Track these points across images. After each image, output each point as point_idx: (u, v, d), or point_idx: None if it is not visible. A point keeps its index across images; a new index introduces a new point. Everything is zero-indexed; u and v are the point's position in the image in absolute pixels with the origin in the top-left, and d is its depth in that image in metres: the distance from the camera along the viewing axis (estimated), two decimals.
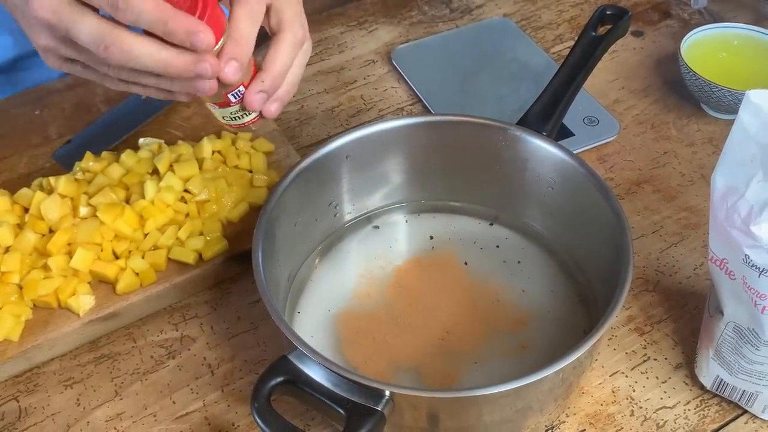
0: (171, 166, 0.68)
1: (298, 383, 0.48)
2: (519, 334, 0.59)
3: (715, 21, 0.89)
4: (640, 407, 0.58)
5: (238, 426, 0.57)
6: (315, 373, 0.48)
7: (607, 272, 0.55)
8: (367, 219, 0.67)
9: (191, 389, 0.59)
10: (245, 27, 0.51)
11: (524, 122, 0.63)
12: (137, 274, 0.62)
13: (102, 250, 0.63)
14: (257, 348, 0.62)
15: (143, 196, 0.65)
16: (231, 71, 0.50)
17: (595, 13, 0.68)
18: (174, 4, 0.47)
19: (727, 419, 0.57)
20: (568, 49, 0.68)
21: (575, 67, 0.66)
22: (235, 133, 0.72)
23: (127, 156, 0.68)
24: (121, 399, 0.59)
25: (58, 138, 0.76)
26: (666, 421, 0.57)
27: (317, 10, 0.96)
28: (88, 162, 0.68)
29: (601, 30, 0.68)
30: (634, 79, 0.85)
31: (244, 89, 0.54)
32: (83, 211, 0.64)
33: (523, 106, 0.65)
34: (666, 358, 0.61)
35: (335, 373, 0.47)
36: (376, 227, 0.67)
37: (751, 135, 0.47)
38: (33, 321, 0.60)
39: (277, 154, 0.73)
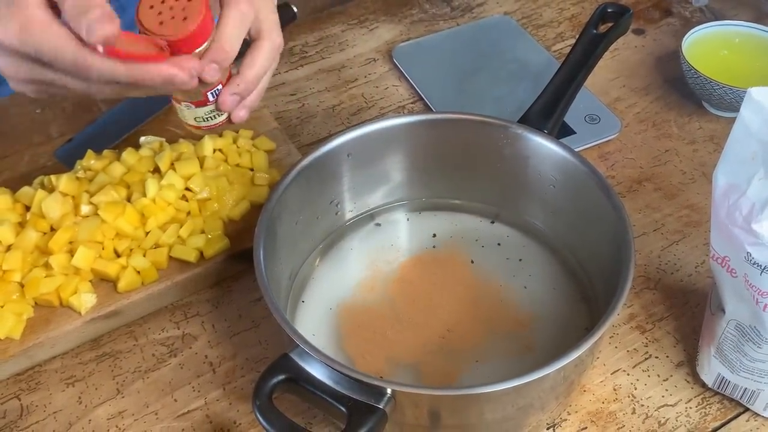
0: (172, 164, 0.68)
1: (300, 381, 0.48)
2: (520, 334, 0.59)
3: (717, 19, 0.89)
4: (642, 405, 0.58)
5: (240, 424, 0.57)
6: (316, 370, 0.48)
7: (609, 270, 0.55)
8: (368, 217, 0.67)
9: (193, 387, 0.59)
10: (232, 31, 0.51)
11: (525, 120, 0.63)
12: (138, 272, 0.62)
13: (103, 249, 0.63)
14: (259, 346, 0.62)
15: (144, 195, 0.65)
16: (211, 73, 0.50)
17: (596, 11, 0.68)
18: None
19: (729, 417, 0.57)
20: (569, 47, 0.68)
21: (576, 65, 0.66)
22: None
23: (128, 154, 0.68)
24: (123, 397, 0.59)
25: (59, 136, 0.76)
26: (667, 419, 0.57)
27: (318, 8, 0.96)
28: (90, 160, 0.68)
29: (603, 28, 0.68)
30: (636, 77, 0.85)
31: (221, 87, 0.54)
32: (84, 209, 0.64)
33: (524, 104, 0.65)
34: (667, 356, 0.61)
35: (337, 370, 0.47)
36: (378, 225, 0.67)
37: (753, 132, 0.47)
38: (34, 319, 0.60)
39: (278, 153, 0.73)
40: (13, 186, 0.67)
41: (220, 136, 0.72)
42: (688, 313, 0.63)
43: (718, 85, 0.75)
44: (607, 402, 0.58)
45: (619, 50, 0.88)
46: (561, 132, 0.71)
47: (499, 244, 0.65)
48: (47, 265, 0.61)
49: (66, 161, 0.72)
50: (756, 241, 0.47)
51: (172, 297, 0.64)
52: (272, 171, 0.70)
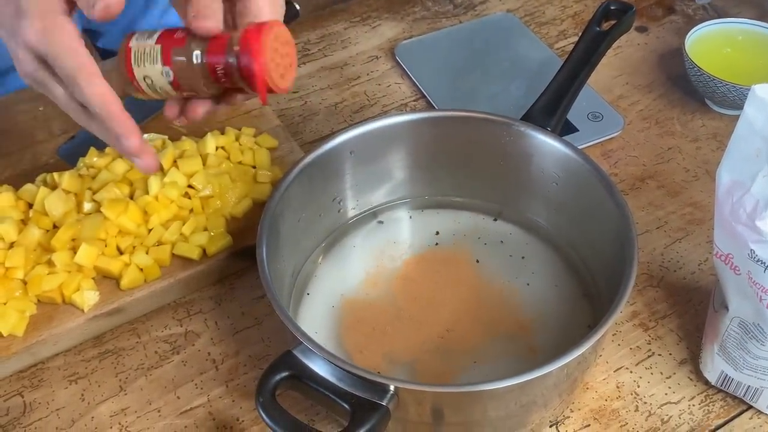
0: (175, 161, 0.68)
1: (303, 378, 0.48)
2: (521, 337, 0.59)
3: (720, 16, 0.89)
4: (645, 402, 0.58)
5: (243, 421, 0.57)
6: (319, 368, 0.48)
7: (612, 268, 0.55)
8: (371, 215, 0.67)
9: (196, 384, 0.59)
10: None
11: (528, 117, 0.63)
12: (141, 269, 0.62)
13: (106, 246, 0.63)
14: (261, 343, 0.62)
15: (147, 192, 0.65)
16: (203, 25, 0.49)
17: (599, 9, 0.68)
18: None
19: (732, 414, 0.57)
20: (572, 45, 0.68)
21: (579, 62, 0.66)
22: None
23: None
24: (126, 394, 0.59)
25: (61, 134, 0.76)
26: (671, 417, 0.57)
27: (320, 6, 0.96)
28: (92, 158, 0.68)
29: (605, 25, 0.68)
30: (639, 75, 0.85)
31: (192, 92, 0.51)
32: (87, 206, 0.64)
33: (527, 101, 0.64)
34: (670, 354, 0.61)
35: (340, 368, 0.47)
36: (381, 222, 0.67)
37: (757, 129, 0.47)
38: (37, 316, 0.60)
39: (280, 150, 0.73)
40: (16, 183, 0.67)
41: (223, 133, 0.72)
42: (691, 311, 0.63)
43: (721, 82, 0.75)
44: (610, 399, 0.58)
45: (621, 48, 0.88)
46: (564, 129, 0.71)
47: (501, 242, 0.65)
48: (50, 263, 0.62)
49: (69, 159, 0.72)
50: (760, 239, 0.47)
51: (174, 294, 0.64)
52: (275, 168, 0.70)
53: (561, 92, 0.64)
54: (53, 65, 0.48)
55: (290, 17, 0.90)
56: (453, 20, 0.93)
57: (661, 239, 0.69)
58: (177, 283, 0.63)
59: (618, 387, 0.59)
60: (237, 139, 0.72)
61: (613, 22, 0.68)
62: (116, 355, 0.61)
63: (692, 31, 0.81)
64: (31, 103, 0.79)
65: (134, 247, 0.63)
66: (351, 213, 0.67)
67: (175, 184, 0.66)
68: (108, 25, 0.94)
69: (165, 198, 0.65)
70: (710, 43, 0.81)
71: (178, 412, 0.58)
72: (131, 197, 0.66)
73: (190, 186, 0.67)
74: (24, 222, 0.64)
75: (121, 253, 0.63)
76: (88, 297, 0.61)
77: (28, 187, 0.66)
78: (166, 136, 0.72)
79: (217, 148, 0.70)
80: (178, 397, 0.59)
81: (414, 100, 0.83)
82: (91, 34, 0.96)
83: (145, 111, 0.77)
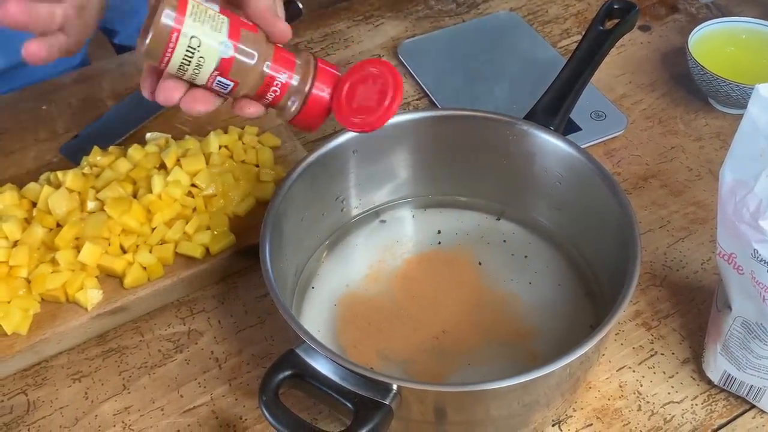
0: (178, 160, 0.68)
1: (306, 377, 0.48)
2: (519, 344, 0.59)
3: (723, 15, 0.89)
4: (648, 402, 0.58)
5: (246, 420, 0.57)
6: (322, 366, 0.48)
7: (614, 267, 0.55)
8: (373, 214, 0.67)
9: (199, 383, 0.59)
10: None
11: (531, 117, 0.63)
12: (145, 268, 0.62)
13: (109, 245, 0.63)
14: (264, 342, 0.62)
15: (150, 191, 0.65)
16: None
17: (602, 8, 0.68)
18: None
19: (735, 414, 0.57)
20: (575, 44, 0.68)
21: (582, 61, 0.65)
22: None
23: (134, 150, 0.69)
24: (129, 393, 0.59)
25: (65, 133, 0.76)
26: (673, 416, 0.57)
27: (323, 4, 0.96)
28: (96, 156, 0.68)
29: (609, 24, 0.67)
30: (642, 74, 0.85)
31: (232, 84, 0.47)
32: (91, 205, 0.64)
33: (530, 100, 0.64)
34: (673, 353, 0.61)
35: (343, 366, 0.47)
36: (383, 221, 0.67)
37: (761, 129, 0.47)
38: (41, 315, 0.61)
39: (283, 149, 0.73)
40: (20, 182, 0.67)
41: (226, 132, 0.72)
42: (694, 310, 0.63)
43: (725, 81, 0.75)
44: (613, 399, 0.58)
45: (625, 47, 0.88)
46: (567, 128, 0.71)
47: (504, 241, 0.65)
48: (54, 261, 0.62)
49: (72, 157, 0.73)
50: (763, 238, 0.47)
51: (178, 293, 0.64)
52: (278, 167, 0.70)
53: (564, 91, 0.64)
54: None
55: (293, 16, 0.90)
56: (456, 19, 0.93)
57: (664, 238, 0.69)
58: (180, 282, 0.64)
59: (621, 386, 0.59)
60: (240, 137, 0.72)
61: (616, 21, 0.67)
62: (119, 353, 0.62)
63: (695, 29, 0.80)
64: (35, 101, 0.80)
65: (137, 246, 0.64)
66: (354, 212, 0.67)
67: (178, 183, 0.66)
68: (123, 23, 0.94)
69: (168, 197, 0.65)
70: (713, 42, 0.81)
71: (181, 410, 0.58)
72: (134, 196, 0.66)
73: (193, 185, 0.67)
74: (27, 221, 0.64)
75: (124, 251, 0.63)
76: (92, 295, 0.61)
77: (32, 185, 0.66)
78: (170, 135, 0.72)
79: (220, 147, 0.70)
80: (182, 396, 0.59)
81: (417, 99, 0.83)
82: (107, 32, 0.96)
83: (147, 110, 0.77)
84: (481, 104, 0.79)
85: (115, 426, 0.57)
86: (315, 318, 0.61)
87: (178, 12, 0.42)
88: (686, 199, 0.72)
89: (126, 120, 0.76)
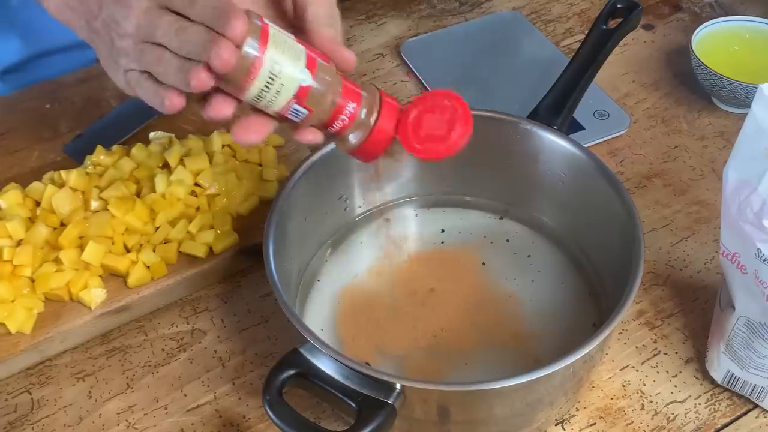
0: (181, 159, 0.68)
1: (309, 376, 0.48)
2: (518, 347, 0.58)
3: (727, 14, 0.88)
4: (651, 401, 0.58)
5: (249, 419, 0.57)
6: (326, 366, 0.48)
7: (618, 266, 0.55)
8: (377, 213, 0.67)
9: (202, 382, 0.60)
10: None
11: (535, 116, 0.63)
12: (148, 267, 0.63)
13: (113, 244, 0.63)
14: (268, 341, 0.62)
15: (154, 190, 0.65)
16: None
17: (605, 6, 0.68)
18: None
19: (738, 414, 0.57)
20: (579, 43, 0.68)
21: (586, 60, 0.65)
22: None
23: (137, 150, 0.69)
24: (133, 391, 0.59)
25: (68, 132, 0.76)
26: (676, 415, 0.57)
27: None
28: (99, 156, 0.68)
29: (612, 23, 0.67)
30: (645, 73, 0.85)
31: (306, 112, 0.46)
32: (94, 204, 0.65)
33: (533, 99, 0.64)
34: (676, 353, 0.61)
35: (346, 366, 0.47)
36: (387, 220, 0.67)
37: (764, 128, 0.47)
38: (45, 314, 0.61)
39: (286, 148, 0.73)
40: (23, 181, 0.67)
41: (229, 131, 0.72)
42: (697, 310, 0.63)
43: (728, 81, 0.75)
44: (616, 398, 0.58)
45: (628, 46, 0.88)
46: (570, 128, 0.71)
47: (507, 241, 0.65)
48: (57, 260, 0.62)
49: (75, 157, 0.73)
50: (767, 238, 0.47)
51: (181, 292, 0.65)
52: (281, 167, 0.70)
53: (567, 90, 0.64)
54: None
55: None
56: (459, 18, 0.93)
57: (667, 238, 0.69)
58: (183, 281, 0.64)
59: (624, 386, 0.59)
60: None
61: (619, 19, 0.67)
62: (123, 352, 0.62)
63: (699, 28, 0.80)
64: (38, 100, 0.80)
65: (141, 245, 0.64)
66: (357, 211, 0.67)
67: (181, 182, 0.66)
68: None
69: (172, 196, 0.65)
70: (717, 41, 0.81)
71: (184, 409, 0.58)
72: (138, 195, 0.66)
73: (196, 184, 0.67)
74: (31, 220, 0.64)
75: (128, 251, 0.64)
76: (96, 295, 0.61)
77: (36, 185, 0.67)
78: (173, 134, 0.72)
79: (223, 146, 0.70)
80: (185, 395, 0.59)
81: None
82: None
83: (150, 109, 0.76)
84: (483, 103, 0.78)
85: (119, 425, 0.57)
86: (318, 316, 0.61)
87: (261, 42, 0.43)
88: (689, 198, 0.72)
89: (129, 119, 0.76)
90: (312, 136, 0.48)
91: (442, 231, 0.66)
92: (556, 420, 0.56)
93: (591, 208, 0.60)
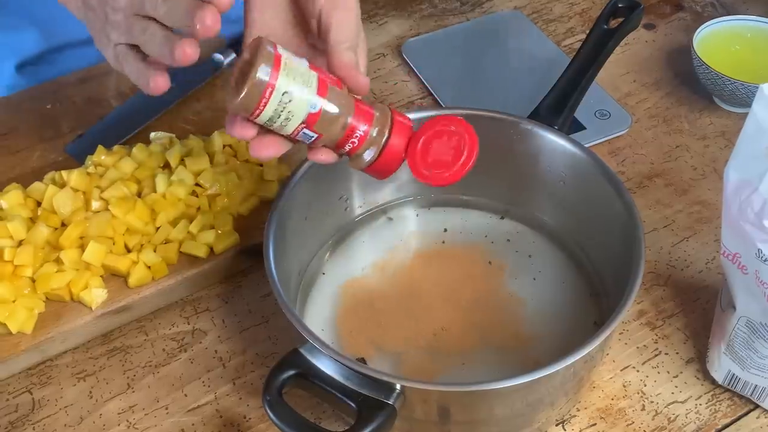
0: (182, 159, 0.68)
1: (310, 376, 0.48)
2: (517, 349, 0.58)
3: (728, 13, 0.88)
4: (652, 402, 0.58)
5: (250, 419, 0.57)
6: (326, 366, 0.48)
7: (619, 266, 0.55)
8: (377, 213, 0.67)
9: (203, 382, 0.60)
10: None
11: (535, 116, 0.63)
12: (149, 267, 0.63)
13: (114, 244, 0.63)
14: (268, 341, 0.62)
15: (155, 190, 0.65)
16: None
17: (607, 6, 0.67)
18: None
19: (739, 414, 0.57)
20: (580, 42, 0.68)
21: (587, 60, 0.65)
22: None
23: (138, 150, 0.69)
24: (134, 392, 0.59)
25: (69, 132, 0.76)
26: (677, 416, 0.57)
27: None
28: (100, 156, 0.68)
29: (613, 23, 0.67)
30: (646, 73, 0.85)
31: (315, 136, 0.48)
32: (95, 204, 0.65)
33: (534, 99, 0.64)
34: (677, 353, 0.60)
35: (347, 366, 0.47)
36: (390, 219, 0.67)
37: (765, 128, 0.47)
38: (46, 314, 0.61)
39: None
40: (25, 181, 0.67)
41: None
42: (698, 310, 0.63)
43: (730, 80, 0.75)
44: (617, 398, 0.58)
45: (629, 45, 0.87)
46: (571, 127, 0.71)
47: (508, 240, 0.65)
48: (58, 260, 0.62)
49: (76, 157, 0.73)
50: (767, 238, 0.47)
51: (182, 292, 0.65)
52: (281, 166, 0.70)
53: (568, 90, 0.64)
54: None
55: None
56: (460, 17, 0.93)
57: (668, 238, 0.68)
58: (184, 281, 0.64)
59: (624, 386, 0.59)
60: None
61: (620, 19, 0.67)
62: (124, 352, 0.62)
63: (700, 28, 0.80)
64: (39, 100, 0.80)
65: (142, 245, 0.64)
66: (357, 211, 0.67)
67: (182, 183, 0.66)
68: None
69: (172, 196, 0.65)
70: (718, 41, 0.81)
71: (185, 409, 0.58)
72: (139, 195, 0.66)
73: (197, 184, 0.67)
74: (32, 220, 0.64)
75: (128, 251, 0.64)
76: (96, 295, 0.61)
77: (37, 185, 0.67)
78: (174, 134, 0.72)
79: (224, 146, 0.71)
80: (186, 395, 0.59)
81: (421, 98, 0.83)
82: None
83: (151, 110, 0.77)
84: (484, 103, 0.79)
85: (119, 425, 0.57)
86: (318, 316, 0.61)
87: (273, 68, 0.45)
88: (691, 198, 0.72)
89: (130, 119, 0.76)
90: (324, 156, 0.50)
91: (445, 230, 0.66)
92: (556, 420, 0.56)
93: (592, 208, 0.60)
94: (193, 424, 0.57)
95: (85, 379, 0.60)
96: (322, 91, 0.47)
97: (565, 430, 0.56)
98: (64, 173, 0.66)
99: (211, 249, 0.64)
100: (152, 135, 0.72)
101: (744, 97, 0.76)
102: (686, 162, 0.75)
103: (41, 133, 0.76)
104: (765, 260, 0.48)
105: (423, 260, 0.64)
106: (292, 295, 0.59)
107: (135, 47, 0.49)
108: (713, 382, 0.58)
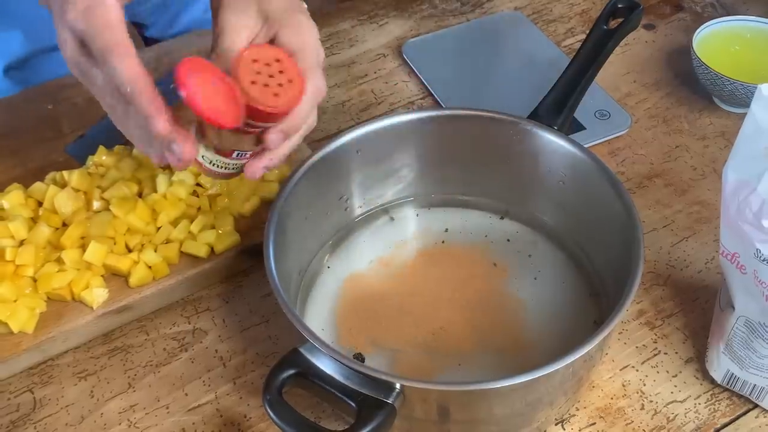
0: None
1: (310, 376, 0.48)
2: (517, 354, 0.58)
3: (728, 14, 0.88)
4: (651, 401, 0.58)
5: (250, 418, 0.58)
6: (326, 366, 0.48)
7: (618, 266, 0.55)
8: (378, 213, 0.67)
9: (203, 381, 0.60)
10: (306, 108, 0.51)
11: (535, 116, 0.63)
12: (150, 267, 0.63)
13: (115, 244, 0.63)
14: (269, 341, 0.62)
15: (156, 190, 0.66)
16: (276, 141, 0.50)
17: (606, 6, 0.67)
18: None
19: (738, 413, 0.57)
20: (580, 43, 0.68)
21: (586, 60, 0.65)
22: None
23: (139, 150, 0.69)
24: (134, 391, 0.59)
25: (71, 132, 0.76)
26: (676, 415, 0.57)
27: (328, 3, 0.96)
28: (101, 156, 0.69)
29: (613, 23, 0.67)
30: (646, 73, 0.85)
31: (249, 154, 0.53)
32: (96, 204, 0.65)
33: (533, 99, 0.65)
34: (677, 352, 0.61)
35: (346, 366, 0.48)
36: (392, 219, 0.67)
37: (764, 128, 0.47)
38: (47, 314, 0.61)
39: None
40: (26, 182, 0.68)
41: None
42: (697, 310, 0.63)
43: (729, 81, 0.75)
44: (616, 398, 0.58)
45: (629, 45, 0.88)
46: (571, 128, 0.71)
47: (508, 240, 0.66)
48: (59, 260, 0.62)
49: (78, 157, 0.73)
50: (766, 238, 0.47)
51: (183, 292, 0.65)
52: (282, 167, 0.70)
53: (568, 90, 0.64)
54: (90, 44, 0.47)
55: None
56: (460, 18, 0.93)
57: (667, 238, 0.69)
58: (185, 281, 0.64)
59: (624, 385, 0.59)
60: None
61: (620, 19, 0.67)
62: (125, 352, 0.62)
63: (700, 28, 0.80)
64: (40, 101, 0.80)
65: (143, 245, 0.64)
66: (358, 211, 0.67)
67: (183, 183, 0.66)
68: (154, 17, 0.95)
69: (173, 196, 0.65)
70: (718, 41, 0.81)
71: (186, 409, 0.58)
72: (140, 195, 0.66)
73: (198, 184, 0.67)
74: (34, 220, 0.65)
75: (129, 251, 0.64)
76: (97, 294, 0.61)
77: (38, 185, 0.67)
78: None
79: None
80: (186, 394, 0.59)
81: (421, 99, 0.83)
82: (138, 27, 0.97)
83: None
84: (485, 103, 0.79)
85: (120, 424, 0.58)
86: (319, 316, 0.61)
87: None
88: (690, 198, 0.72)
89: None
90: (262, 163, 0.54)
91: (446, 230, 0.66)
92: (555, 419, 0.57)
93: (592, 208, 0.61)
94: (193, 423, 0.57)
95: (86, 379, 0.60)
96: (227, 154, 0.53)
97: (564, 429, 0.57)
98: (65, 173, 0.67)
99: (212, 249, 0.64)
100: None
101: (743, 98, 0.76)
102: (686, 162, 0.75)
103: (42, 134, 0.76)
104: (763, 260, 0.48)
105: (423, 260, 0.64)
106: (292, 295, 0.59)
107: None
108: (712, 381, 0.58)
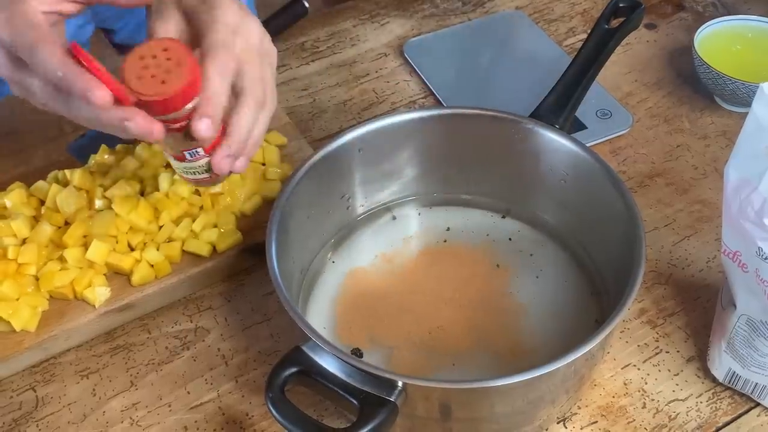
0: None
1: (312, 374, 0.48)
2: (515, 359, 0.58)
3: (729, 13, 0.88)
4: (652, 400, 0.58)
5: (252, 416, 0.58)
6: (328, 363, 0.48)
7: (620, 265, 0.55)
8: (379, 212, 0.68)
9: (205, 380, 0.60)
10: (217, 85, 0.49)
11: (537, 115, 0.63)
12: (152, 265, 0.63)
13: (117, 242, 0.63)
14: (271, 339, 0.62)
15: (158, 189, 0.66)
16: (203, 128, 0.49)
17: (608, 6, 0.68)
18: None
19: (740, 412, 0.57)
20: (581, 42, 0.68)
21: (588, 59, 0.66)
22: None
23: (141, 149, 0.69)
24: (137, 389, 0.59)
25: (73, 131, 0.77)
26: (678, 414, 0.57)
27: (329, 3, 0.96)
28: (103, 155, 0.69)
29: (614, 23, 0.67)
30: (647, 72, 0.85)
31: (201, 151, 0.52)
32: (98, 203, 0.65)
33: (535, 99, 0.65)
34: (678, 351, 0.61)
35: (348, 364, 0.48)
36: (390, 219, 0.67)
37: (765, 127, 0.47)
38: (49, 312, 0.61)
39: (289, 148, 0.74)
40: (28, 180, 0.68)
41: None
42: (699, 308, 0.63)
43: (731, 80, 0.75)
44: (618, 396, 0.58)
45: (630, 45, 0.88)
46: (572, 127, 0.71)
47: (510, 239, 0.66)
48: (62, 259, 0.62)
49: (80, 156, 0.73)
50: (767, 236, 0.47)
51: (185, 290, 0.65)
52: (284, 166, 0.71)
53: (570, 90, 0.64)
54: (19, 50, 0.46)
55: (299, 15, 0.91)
56: (462, 17, 0.93)
57: (669, 237, 0.69)
58: (187, 280, 0.64)
59: (625, 384, 0.59)
60: None
61: (622, 19, 0.67)
62: (127, 350, 0.62)
63: (701, 28, 0.80)
64: None
65: (145, 244, 0.64)
66: (359, 210, 0.67)
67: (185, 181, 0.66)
68: (122, 22, 0.95)
69: (175, 195, 0.65)
70: (720, 40, 0.81)
71: (188, 407, 0.58)
72: (142, 194, 0.66)
73: None
74: (36, 219, 0.65)
75: (132, 249, 0.64)
76: (100, 293, 0.61)
77: (40, 184, 0.67)
78: None
79: None
80: (189, 392, 0.59)
81: (422, 98, 0.83)
82: (106, 32, 0.97)
83: None
84: (486, 102, 0.79)
85: (122, 422, 0.58)
86: (321, 314, 0.61)
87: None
88: (692, 197, 0.72)
89: None
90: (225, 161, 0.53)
91: (448, 229, 0.66)
92: (557, 418, 0.57)
93: (593, 207, 0.61)
94: (195, 422, 0.57)
95: (88, 377, 0.60)
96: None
97: (566, 427, 0.57)
98: (67, 172, 0.67)
99: (214, 248, 0.65)
100: None
101: (745, 97, 0.76)
102: (687, 161, 0.75)
103: (44, 133, 0.77)
104: (765, 258, 0.48)
105: (425, 258, 0.65)
106: (294, 293, 0.59)
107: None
108: (714, 380, 0.58)
